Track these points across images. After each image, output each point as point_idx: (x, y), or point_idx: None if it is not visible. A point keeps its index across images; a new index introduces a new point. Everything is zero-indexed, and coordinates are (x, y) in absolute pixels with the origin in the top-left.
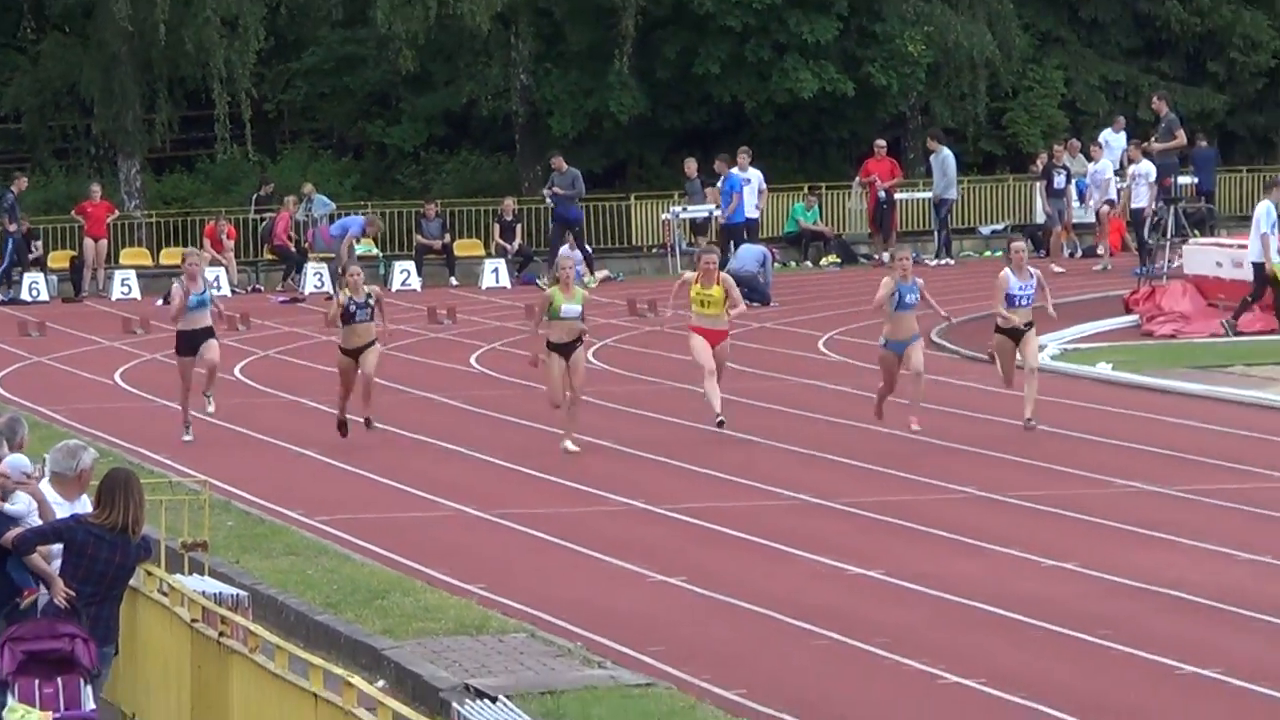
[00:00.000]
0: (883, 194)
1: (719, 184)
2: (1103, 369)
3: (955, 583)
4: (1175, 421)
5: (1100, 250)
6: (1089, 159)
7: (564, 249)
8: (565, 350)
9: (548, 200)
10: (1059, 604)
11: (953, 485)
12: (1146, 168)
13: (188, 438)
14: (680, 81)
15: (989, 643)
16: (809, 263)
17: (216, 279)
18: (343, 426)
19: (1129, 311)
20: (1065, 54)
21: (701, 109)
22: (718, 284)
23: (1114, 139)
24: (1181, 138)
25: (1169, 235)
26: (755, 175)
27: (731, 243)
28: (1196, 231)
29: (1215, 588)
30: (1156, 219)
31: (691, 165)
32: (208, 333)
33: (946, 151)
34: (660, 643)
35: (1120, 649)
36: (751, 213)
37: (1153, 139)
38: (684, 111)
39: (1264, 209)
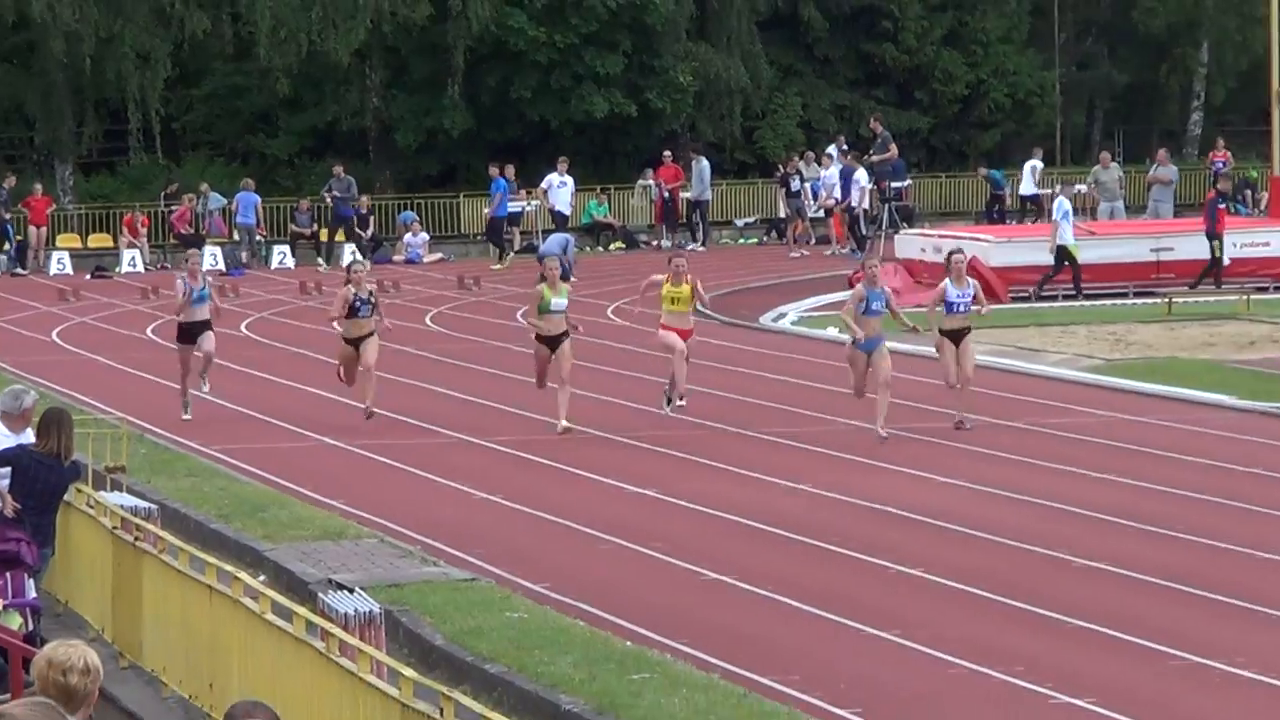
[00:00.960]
0: (667, 194)
1: (543, 184)
2: (831, 332)
3: (716, 501)
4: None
5: (831, 240)
6: (820, 166)
7: (546, 246)
8: (553, 342)
9: (327, 200)
10: (795, 517)
11: (712, 422)
12: (862, 174)
13: (186, 416)
14: (499, 104)
15: (740, 547)
16: (600, 248)
17: (134, 259)
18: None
19: (851, 287)
20: (802, 83)
21: (517, 125)
22: (686, 283)
23: (836, 154)
24: (894, 150)
25: (883, 227)
26: (569, 179)
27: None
28: (905, 224)
29: (919, 505)
30: (874, 214)
31: (510, 170)
32: (205, 325)
33: (705, 162)
34: (481, 546)
35: (842, 551)
36: (564, 209)
37: (871, 152)
38: (503, 128)
39: (1058, 203)
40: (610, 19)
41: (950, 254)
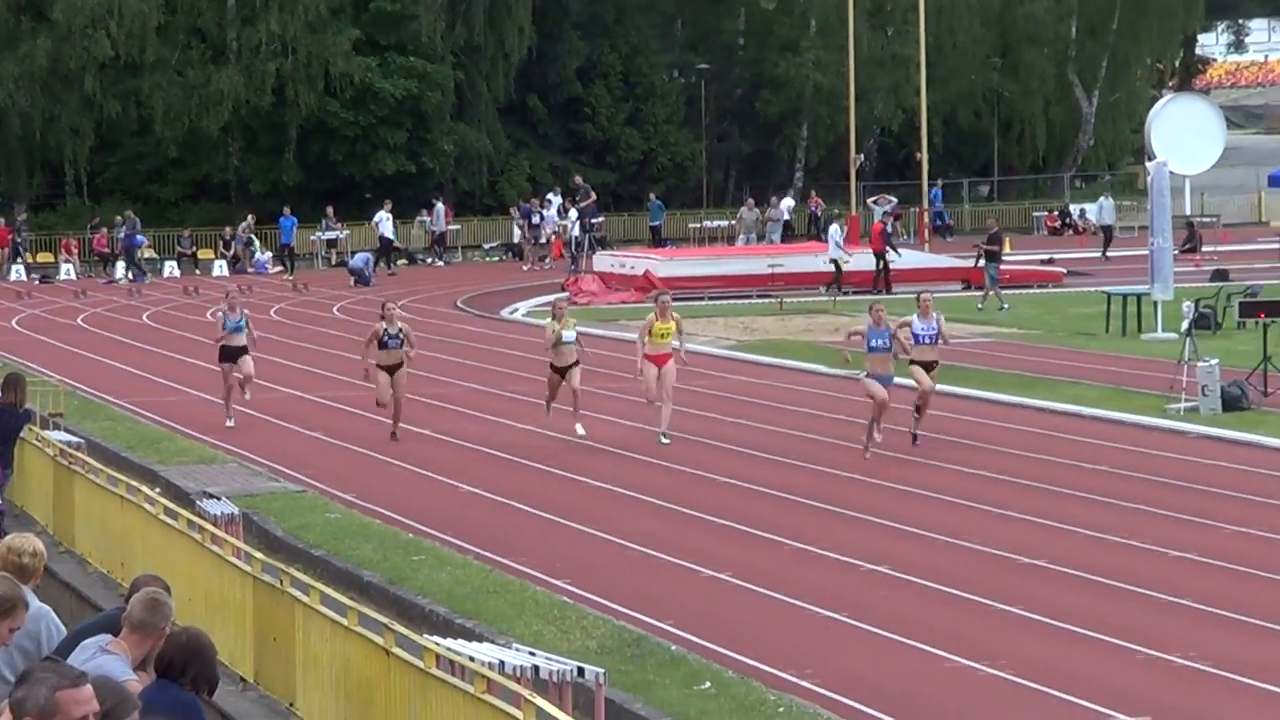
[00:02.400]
0: (441, 226)
1: (374, 219)
2: (552, 322)
3: (463, 435)
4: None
5: (552, 257)
6: (543, 208)
7: (354, 262)
8: (563, 371)
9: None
10: (481, 435)
11: (466, 382)
12: (574, 214)
13: (230, 424)
14: (321, 164)
15: (484, 470)
16: (391, 265)
17: (68, 270)
18: (383, 407)
19: (564, 290)
20: (529, 150)
21: (332, 179)
22: (671, 320)
23: (554, 199)
24: (593, 197)
25: (586, 249)
26: (389, 215)
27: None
28: (600, 247)
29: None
30: (579, 241)
31: (329, 210)
32: (243, 350)
33: (439, 205)
34: (309, 469)
35: (591, 531)
36: (389, 235)
37: (577, 198)
38: (323, 180)
39: (833, 229)
40: (397, 106)
41: (919, 294)
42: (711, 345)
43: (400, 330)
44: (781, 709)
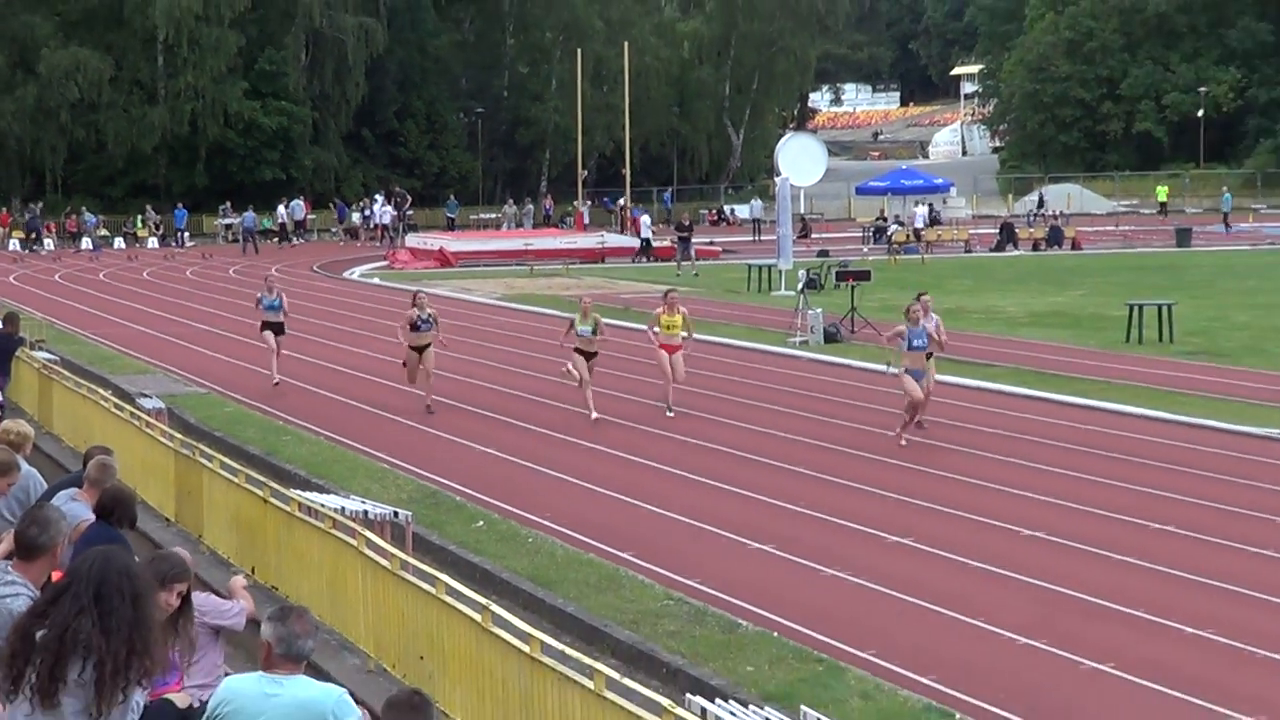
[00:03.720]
0: (301, 216)
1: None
2: (377, 280)
3: (336, 360)
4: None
5: (378, 239)
6: (371, 204)
7: (246, 220)
8: (588, 356)
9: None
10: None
11: (319, 319)
12: (390, 209)
13: (276, 381)
14: (223, 173)
15: (335, 381)
16: (287, 240)
17: (50, 244)
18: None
19: (385, 259)
20: (363, 166)
21: (229, 182)
22: (678, 314)
23: (379, 199)
24: (409, 199)
25: (401, 232)
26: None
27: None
28: (411, 230)
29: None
30: (395, 227)
31: (227, 204)
32: (279, 327)
33: (297, 201)
34: (212, 379)
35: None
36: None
37: (395, 200)
38: (224, 183)
39: (644, 219)
40: (273, 134)
41: (919, 295)
42: (485, 297)
43: (431, 315)
44: (530, 540)
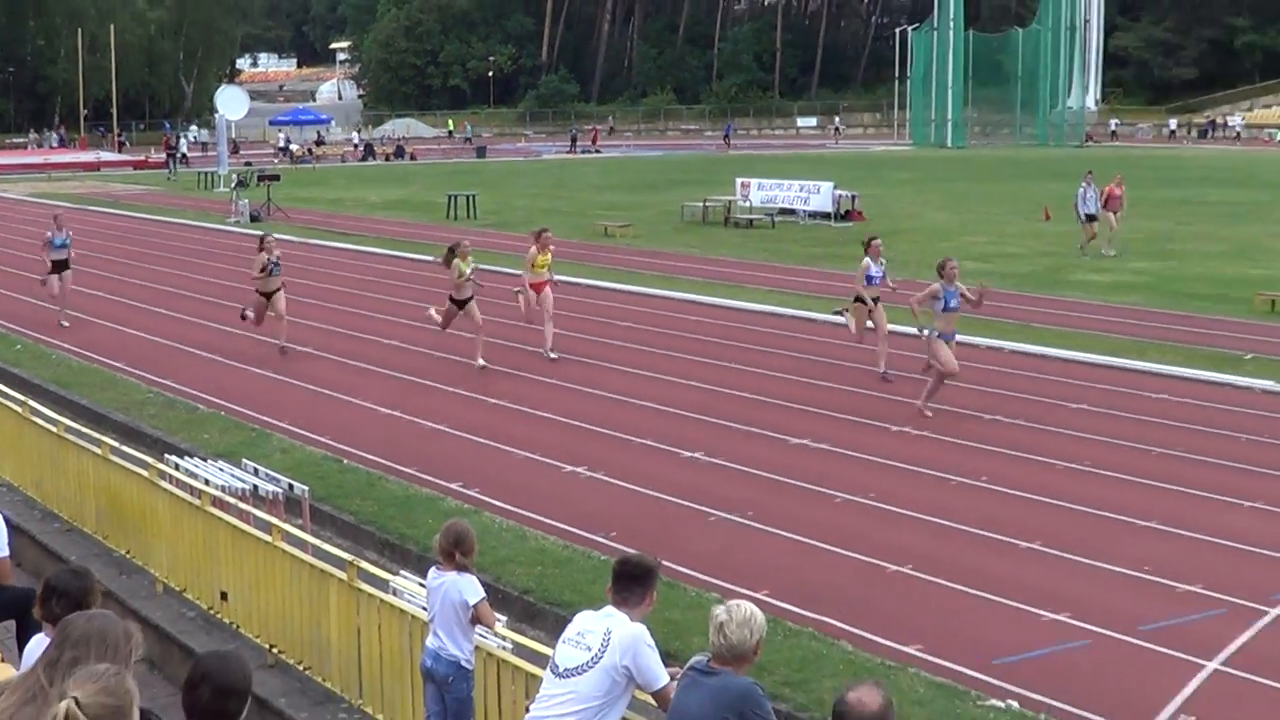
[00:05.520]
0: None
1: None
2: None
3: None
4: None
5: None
6: None
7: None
8: (463, 303)
9: None
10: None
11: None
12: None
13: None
14: None
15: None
16: None
17: None
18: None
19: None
20: None
21: None
22: (549, 252)
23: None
24: None
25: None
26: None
27: None
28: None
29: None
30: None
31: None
32: (65, 264)
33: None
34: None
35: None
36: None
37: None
38: None
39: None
40: None
41: (870, 239)
42: (20, 195)
43: (278, 258)
44: (54, 356)
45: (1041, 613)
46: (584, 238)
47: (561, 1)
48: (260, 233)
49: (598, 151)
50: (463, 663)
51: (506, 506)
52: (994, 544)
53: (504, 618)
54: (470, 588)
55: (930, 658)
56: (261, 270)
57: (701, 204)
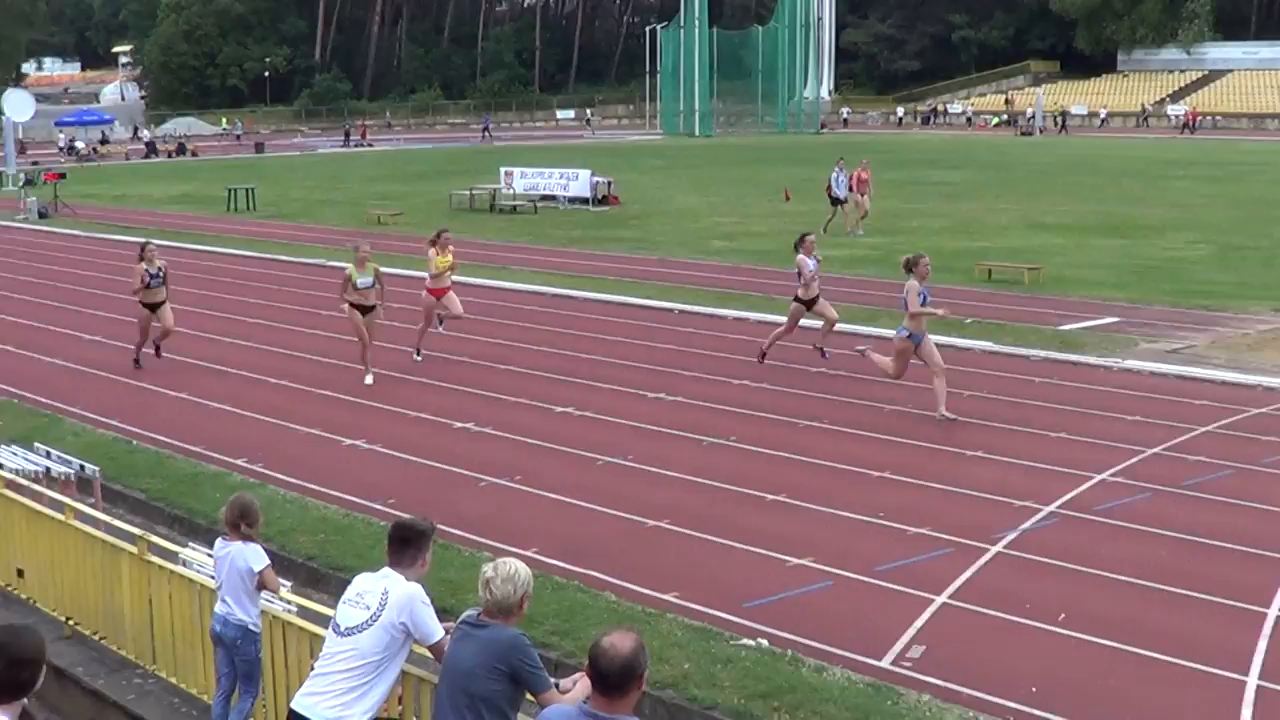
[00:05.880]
0: None
1: None
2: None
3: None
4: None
5: None
6: None
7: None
8: (365, 310)
9: None
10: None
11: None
12: None
13: (369, 380)
14: None
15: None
16: None
17: None
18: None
19: None
20: None
21: None
22: (449, 253)
23: None
24: None
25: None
26: None
27: None
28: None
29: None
30: None
31: None
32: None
33: None
34: None
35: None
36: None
37: None
38: None
39: None
40: None
41: (804, 236)
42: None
43: (160, 269)
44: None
45: (787, 558)
46: (358, 226)
47: (333, 5)
48: (142, 240)
49: (370, 146)
50: (250, 626)
51: (290, 480)
52: (743, 498)
53: (288, 583)
54: (255, 556)
55: (687, 604)
56: (142, 283)
57: (468, 192)
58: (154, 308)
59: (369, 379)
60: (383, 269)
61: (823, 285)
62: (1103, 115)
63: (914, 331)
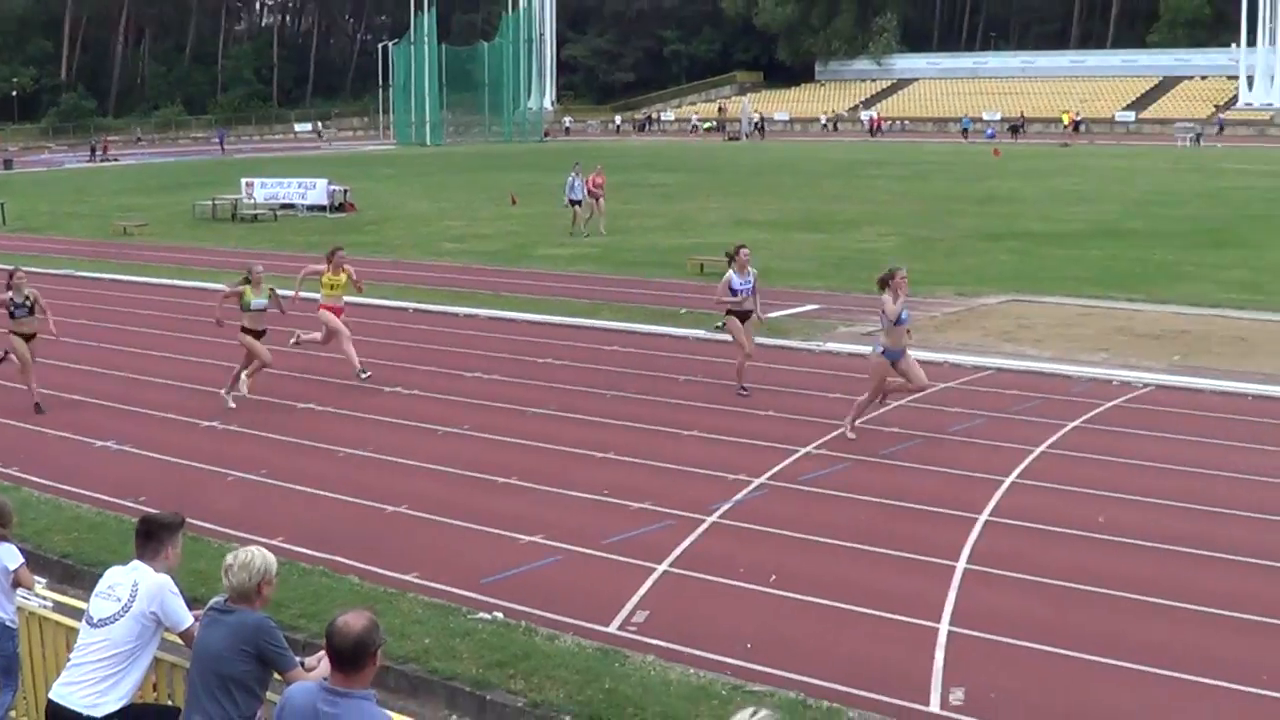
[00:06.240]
0: None
1: None
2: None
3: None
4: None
5: None
6: None
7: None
8: (257, 334)
9: None
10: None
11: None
12: None
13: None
14: None
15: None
16: None
17: None
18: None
19: None
20: None
21: None
22: (343, 272)
23: None
24: None
25: None
26: None
27: None
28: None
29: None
30: None
31: None
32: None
33: None
34: None
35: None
36: None
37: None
38: None
39: None
40: None
41: (739, 248)
42: None
43: (28, 298)
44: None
45: (520, 536)
46: (105, 237)
47: (78, 26)
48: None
49: (114, 160)
50: (7, 623)
51: (44, 481)
52: (477, 482)
53: (44, 580)
54: (9, 555)
55: (427, 583)
56: (6, 310)
57: (211, 202)
58: (28, 338)
59: (230, 404)
60: (132, 279)
61: (548, 282)
62: (786, 119)
63: (889, 348)
